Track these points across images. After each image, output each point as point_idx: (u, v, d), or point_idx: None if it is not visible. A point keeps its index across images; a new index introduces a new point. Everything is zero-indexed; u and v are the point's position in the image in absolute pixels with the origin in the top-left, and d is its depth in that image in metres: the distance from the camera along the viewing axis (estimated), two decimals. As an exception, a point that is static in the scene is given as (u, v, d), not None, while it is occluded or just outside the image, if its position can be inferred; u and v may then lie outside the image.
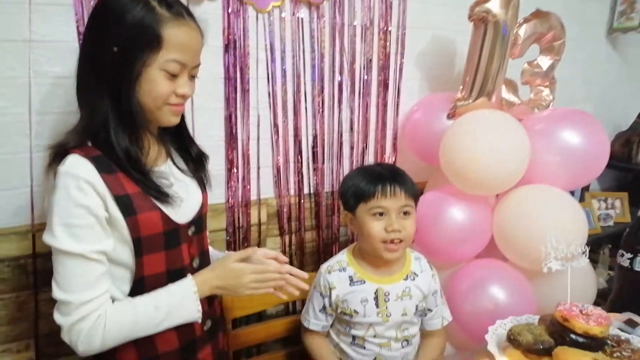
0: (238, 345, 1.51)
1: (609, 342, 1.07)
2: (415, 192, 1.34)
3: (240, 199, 1.66)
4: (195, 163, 1.14)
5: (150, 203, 0.98)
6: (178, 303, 1.01)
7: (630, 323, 1.30)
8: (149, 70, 0.93)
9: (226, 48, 1.52)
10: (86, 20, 1.27)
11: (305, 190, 1.78)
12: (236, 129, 1.59)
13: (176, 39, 0.93)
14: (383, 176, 1.30)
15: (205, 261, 1.14)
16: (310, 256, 1.85)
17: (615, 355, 1.04)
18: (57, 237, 0.91)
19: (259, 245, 1.72)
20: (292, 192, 1.76)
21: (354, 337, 1.35)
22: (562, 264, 1.11)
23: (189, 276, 1.04)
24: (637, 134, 2.50)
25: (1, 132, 1.28)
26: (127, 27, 0.90)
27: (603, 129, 1.60)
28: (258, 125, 1.63)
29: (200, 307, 1.03)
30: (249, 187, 1.66)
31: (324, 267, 1.39)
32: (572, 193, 2.23)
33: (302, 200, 1.78)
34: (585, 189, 2.53)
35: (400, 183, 1.30)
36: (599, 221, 2.33)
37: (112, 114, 0.94)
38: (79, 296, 0.92)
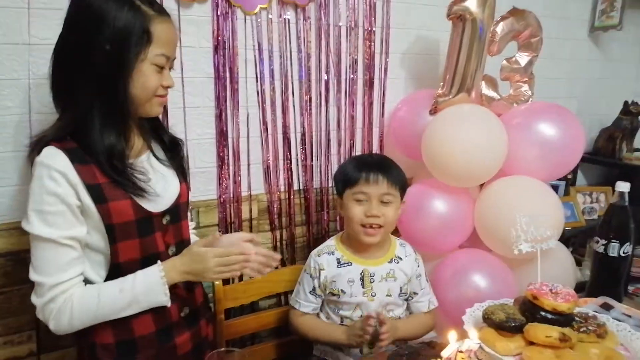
0: (231, 335, 1.56)
1: (576, 318, 1.13)
2: (401, 182, 1.41)
3: (231, 195, 1.72)
4: (171, 150, 1.20)
5: (121, 192, 1.03)
6: (146, 288, 1.05)
7: (606, 306, 1.36)
8: (142, 65, 1.00)
9: (216, 49, 1.59)
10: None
11: (295, 186, 1.84)
12: (226, 127, 1.66)
13: (162, 34, 1.02)
14: (369, 164, 1.39)
15: (183, 249, 1.16)
16: (300, 251, 1.91)
17: (582, 330, 1.10)
18: (31, 223, 0.98)
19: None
20: (282, 188, 1.82)
21: (342, 318, 1.41)
22: (531, 246, 1.17)
23: (159, 262, 1.08)
24: (620, 129, 2.57)
25: (4, 131, 1.36)
26: (119, 26, 0.97)
27: (578, 121, 1.66)
28: (248, 123, 1.70)
29: (167, 292, 1.07)
30: (239, 183, 1.73)
31: (314, 251, 1.47)
32: (557, 188, 2.31)
33: (292, 196, 1.84)
34: (572, 184, 2.60)
35: (383, 172, 1.38)
36: (583, 215, 2.39)
37: (98, 110, 1.00)
38: (50, 279, 0.99)
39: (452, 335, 0.89)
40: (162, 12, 1.03)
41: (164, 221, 1.12)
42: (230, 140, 1.68)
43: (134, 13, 0.98)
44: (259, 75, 1.68)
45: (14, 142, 1.38)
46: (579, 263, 2.42)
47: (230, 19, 1.59)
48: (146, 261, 1.08)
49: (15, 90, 1.35)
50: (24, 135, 1.38)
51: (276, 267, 1.22)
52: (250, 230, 1.78)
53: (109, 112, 1.01)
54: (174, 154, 1.21)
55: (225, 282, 1.57)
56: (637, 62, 2.80)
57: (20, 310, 1.46)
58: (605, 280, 1.48)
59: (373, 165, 1.39)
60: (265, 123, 1.73)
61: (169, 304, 1.09)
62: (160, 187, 1.11)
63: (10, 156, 1.38)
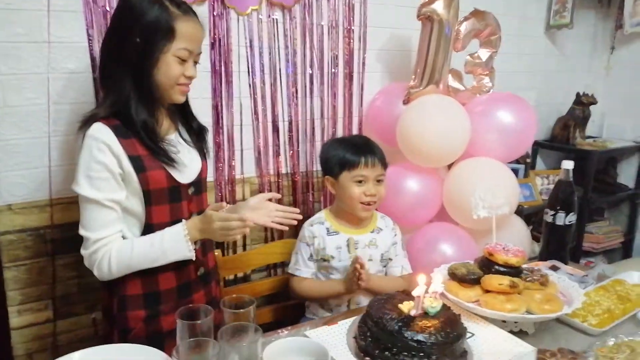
0: (228, 301, 1.75)
1: (524, 271, 1.35)
2: (385, 163, 1.63)
3: (226, 178, 1.91)
4: (197, 135, 1.38)
5: (157, 163, 1.21)
6: (172, 243, 1.21)
7: (554, 268, 1.59)
8: (165, 57, 1.17)
9: (212, 46, 1.77)
10: (94, 23, 1.53)
11: (283, 170, 2.04)
12: (222, 116, 1.85)
13: (185, 31, 1.18)
14: (364, 149, 1.58)
15: None
16: (289, 229, 2.09)
17: (528, 279, 1.32)
18: (80, 185, 1.15)
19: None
20: (271, 171, 2.01)
21: None
22: (488, 212, 1.39)
23: (183, 221, 1.24)
24: (574, 118, 2.84)
25: (26, 119, 1.52)
26: (148, 22, 1.14)
27: (532, 109, 1.90)
28: (241, 113, 1.89)
29: (191, 247, 1.23)
30: (233, 167, 1.91)
31: (307, 222, 1.65)
32: (517, 171, 2.56)
33: (280, 179, 2.04)
34: (531, 167, 2.86)
35: (377, 155, 1.59)
36: (540, 195, 2.65)
37: (133, 93, 1.18)
38: (95, 234, 1.17)
39: (421, 277, 1.10)
40: (187, 12, 1.20)
41: (190, 192, 1.30)
42: (225, 128, 1.86)
43: (162, 12, 1.15)
44: (250, 70, 1.87)
45: (34, 129, 1.54)
46: (538, 239, 2.67)
47: (225, 19, 1.77)
48: (173, 225, 1.25)
49: (35, 84, 1.51)
50: (43, 123, 1.54)
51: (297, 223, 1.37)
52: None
53: (140, 95, 1.19)
54: (200, 137, 1.39)
55: (224, 254, 1.75)
56: (587, 57, 3.08)
57: (39, 281, 1.63)
58: (554, 245, 1.68)
59: (367, 149, 1.58)
60: (256, 112, 1.92)
61: (194, 257, 1.25)
62: (187, 160, 1.29)
63: (30, 142, 1.54)
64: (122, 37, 1.17)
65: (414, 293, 1.08)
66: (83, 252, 1.20)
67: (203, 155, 1.39)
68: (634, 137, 3.00)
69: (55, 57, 1.52)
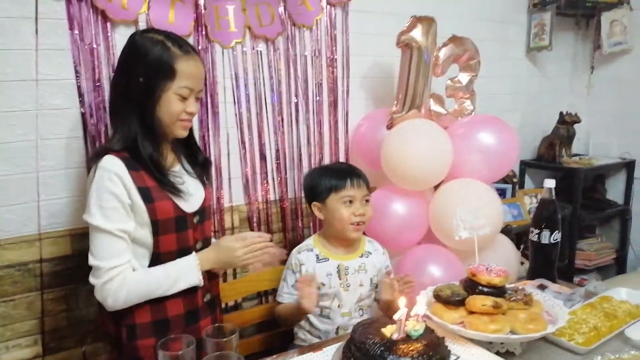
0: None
1: (508, 291, 1.36)
2: (369, 187, 1.68)
3: (215, 207, 1.92)
4: (201, 167, 1.43)
5: (164, 194, 1.26)
6: (184, 272, 1.27)
7: (541, 287, 1.61)
8: (167, 95, 1.23)
9: (198, 79, 1.82)
10: (82, 60, 1.58)
11: (272, 197, 2.06)
12: (209, 146, 1.88)
13: (186, 70, 1.23)
14: (349, 172, 1.63)
15: (207, 246, 1.39)
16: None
17: (512, 299, 1.33)
18: (92, 216, 1.19)
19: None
20: (259, 199, 2.03)
21: (322, 309, 1.61)
22: (469, 233, 1.42)
23: (194, 253, 1.31)
24: (559, 137, 2.88)
25: (16, 155, 1.55)
26: (150, 62, 1.20)
27: (513, 130, 1.94)
28: (228, 142, 1.92)
29: (201, 276, 1.30)
30: (222, 195, 1.94)
31: (295, 249, 1.67)
32: (504, 191, 2.59)
33: (269, 206, 2.06)
34: (519, 187, 2.89)
35: (362, 177, 1.63)
36: (529, 214, 2.67)
37: (139, 129, 1.23)
38: (107, 263, 1.20)
39: (402, 300, 1.11)
40: (188, 52, 1.25)
41: (195, 220, 1.34)
42: (213, 158, 1.88)
43: (163, 52, 1.21)
44: (236, 100, 1.91)
45: (23, 165, 1.57)
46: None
47: (210, 52, 1.82)
48: (180, 253, 1.29)
49: (24, 120, 1.54)
50: (32, 158, 1.57)
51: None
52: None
53: (146, 131, 1.24)
54: (203, 170, 1.44)
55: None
56: (569, 77, 3.15)
57: (28, 316, 1.63)
58: (541, 264, 1.68)
59: (352, 172, 1.62)
60: (243, 142, 1.95)
61: (201, 284, 1.31)
62: (192, 189, 1.33)
63: (19, 177, 1.57)
64: (127, 76, 1.23)
65: (396, 316, 1.09)
66: (95, 281, 1.22)
67: (204, 185, 1.43)
68: (620, 154, 3.04)
69: (43, 94, 1.55)
